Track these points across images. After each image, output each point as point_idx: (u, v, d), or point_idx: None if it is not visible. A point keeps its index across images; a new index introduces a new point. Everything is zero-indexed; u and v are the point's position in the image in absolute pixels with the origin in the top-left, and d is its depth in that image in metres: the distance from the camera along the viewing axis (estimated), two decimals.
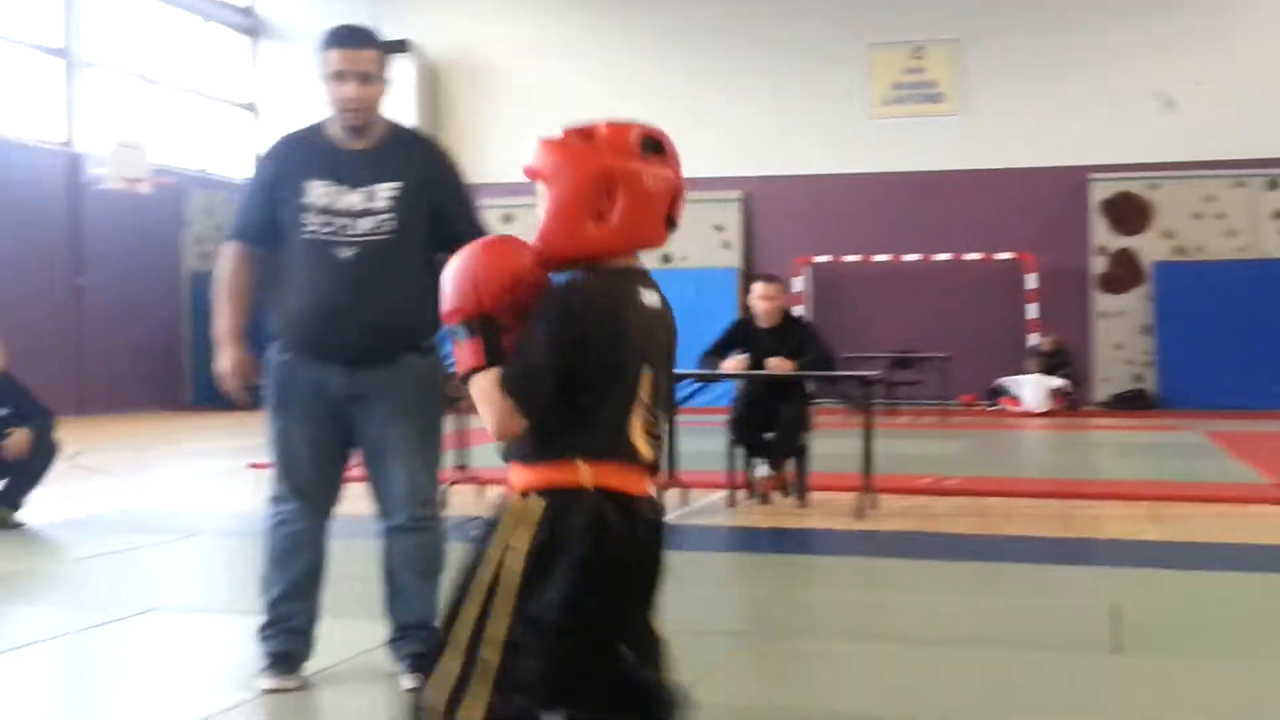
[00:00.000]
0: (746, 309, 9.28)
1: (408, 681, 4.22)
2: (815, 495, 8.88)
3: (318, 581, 4.49)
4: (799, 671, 4.86)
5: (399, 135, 4.45)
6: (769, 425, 8.87)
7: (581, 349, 2.46)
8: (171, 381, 22.95)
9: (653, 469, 2.58)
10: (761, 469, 9.02)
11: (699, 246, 21.03)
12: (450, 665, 2.48)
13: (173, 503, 9.73)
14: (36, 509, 8.18)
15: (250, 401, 4.61)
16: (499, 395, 2.46)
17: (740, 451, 9.03)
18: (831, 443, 9.68)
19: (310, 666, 4.47)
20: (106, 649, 5.05)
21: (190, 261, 23.47)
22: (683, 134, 3.15)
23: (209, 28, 23.53)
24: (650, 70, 21.68)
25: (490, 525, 2.55)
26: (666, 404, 2.68)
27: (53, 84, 20.43)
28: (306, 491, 4.43)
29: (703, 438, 10.10)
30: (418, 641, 4.32)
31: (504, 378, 2.46)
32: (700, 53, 21.48)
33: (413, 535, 4.38)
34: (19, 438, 7.96)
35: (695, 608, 5.92)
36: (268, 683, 4.34)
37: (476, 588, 2.49)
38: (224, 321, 4.47)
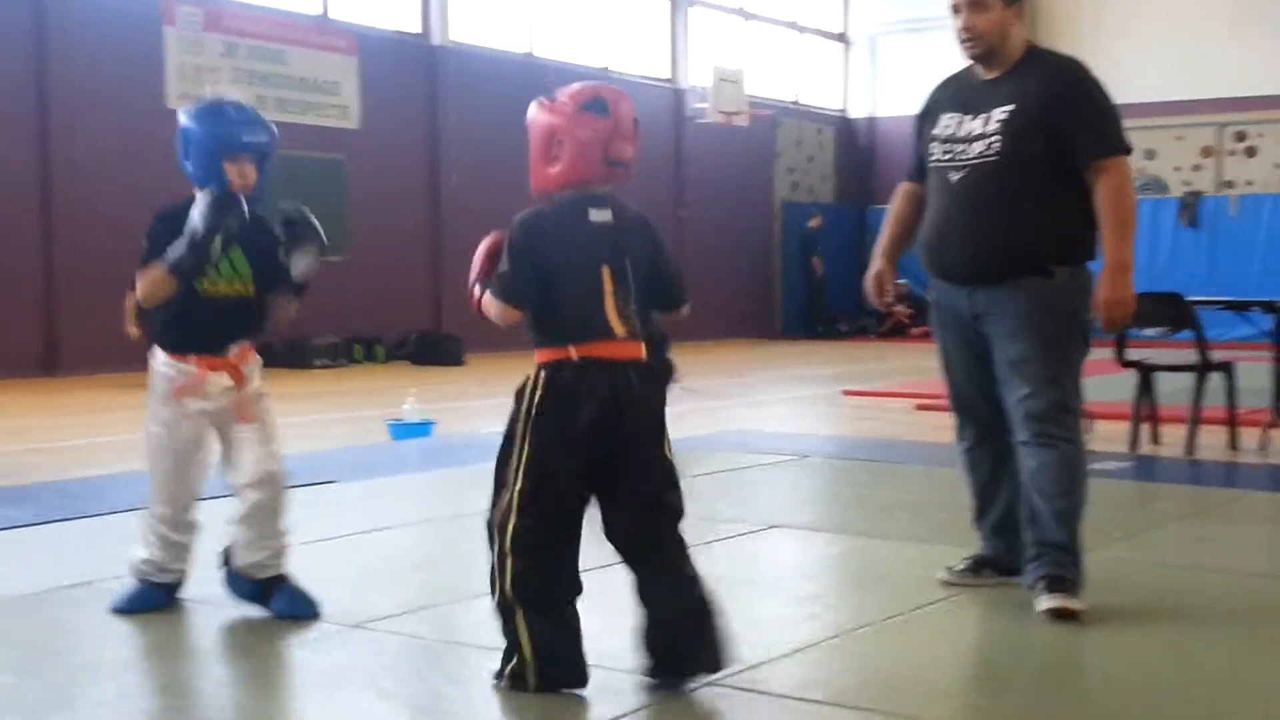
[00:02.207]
0: None
1: (1044, 601, 4.17)
2: None
3: (990, 500, 4.53)
4: None
5: (1032, 59, 4.37)
6: None
7: (538, 256, 3.42)
8: (763, 310, 23.69)
9: (632, 339, 3.50)
10: None
11: None
12: (502, 495, 3.45)
13: (776, 425, 10.00)
14: None
15: (913, 318, 4.87)
16: (490, 299, 3.49)
17: None
18: None
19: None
20: (743, 558, 5.19)
21: (782, 192, 24.06)
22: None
23: None
24: None
25: (518, 394, 3.47)
26: (645, 290, 3.56)
27: (659, 22, 21.42)
28: (970, 412, 4.54)
29: None
30: (1050, 563, 4.24)
31: (490, 285, 3.49)
32: None
33: (1038, 452, 4.28)
34: None
35: None
36: (945, 575, 4.60)
37: (511, 436, 3.46)
38: (879, 242, 4.75)
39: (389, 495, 6.47)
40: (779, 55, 23.65)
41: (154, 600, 4.27)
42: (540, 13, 19.27)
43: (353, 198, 16.63)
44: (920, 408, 10.55)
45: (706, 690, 3.49)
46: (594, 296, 3.44)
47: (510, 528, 3.41)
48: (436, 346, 16.45)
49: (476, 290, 3.55)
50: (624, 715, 3.36)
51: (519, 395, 3.47)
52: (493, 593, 3.45)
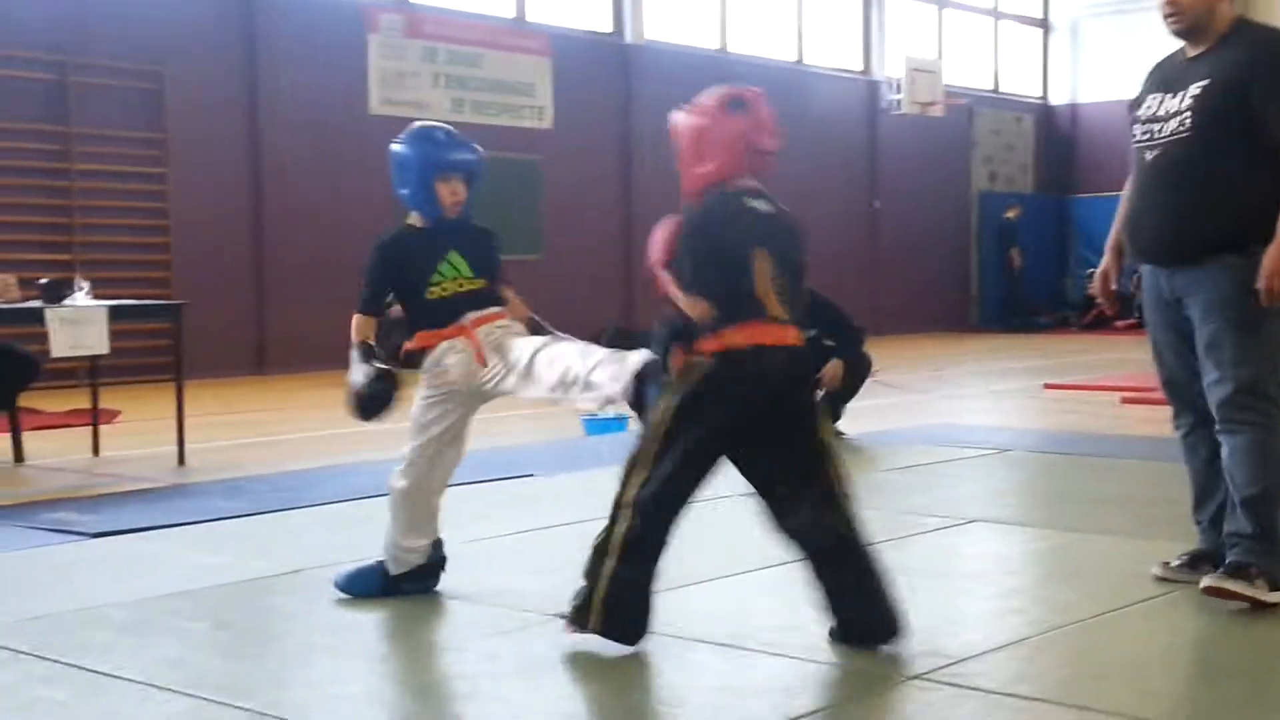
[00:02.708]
0: None
1: (1207, 580, 4.10)
2: None
3: (1209, 490, 4.37)
4: None
5: (1237, 33, 4.22)
6: None
7: (714, 246, 3.64)
8: (961, 302, 23.27)
9: (787, 323, 3.67)
10: None
11: None
12: (633, 461, 3.72)
13: (976, 419, 9.80)
14: (852, 421, 8.52)
15: (1117, 311, 4.76)
16: (686, 300, 3.65)
17: None
18: None
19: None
20: (944, 552, 5.10)
21: (979, 182, 23.60)
22: None
23: None
24: None
25: (683, 374, 3.65)
26: (796, 277, 3.74)
27: (852, 13, 21.21)
28: (1182, 397, 4.40)
29: None
30: (1239, 551, 4.11)
31: (682, 284, 3.67)
32: None
33: (1227, 439, 4.15)
34: (833, 370, 8.26)
35: None
36: (1159, 570, 4.49)
37: (659, 410, 3.68)
38: (1111, 234, 4.61)
39: (586, 489, 6.52)
40: (976, 42, 23.20)
41: (371, 584, 4.42)
42: (732, 7, 19.26)
43: (546, 198, 16.85)
44: (1126, 401, 10.23)
45: (913, 684, 3.43)
46: (756, 281, 3.65)
47: (634, 490, 3.69)
48: (630, 341, 16.54)
49: (663, 276, 3.75)
50: (829, 707, 3.33)
51: (684, 374, 3.64)
52: (600, 536, 3.73)
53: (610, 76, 17.73)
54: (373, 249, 4.42)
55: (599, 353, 4.06)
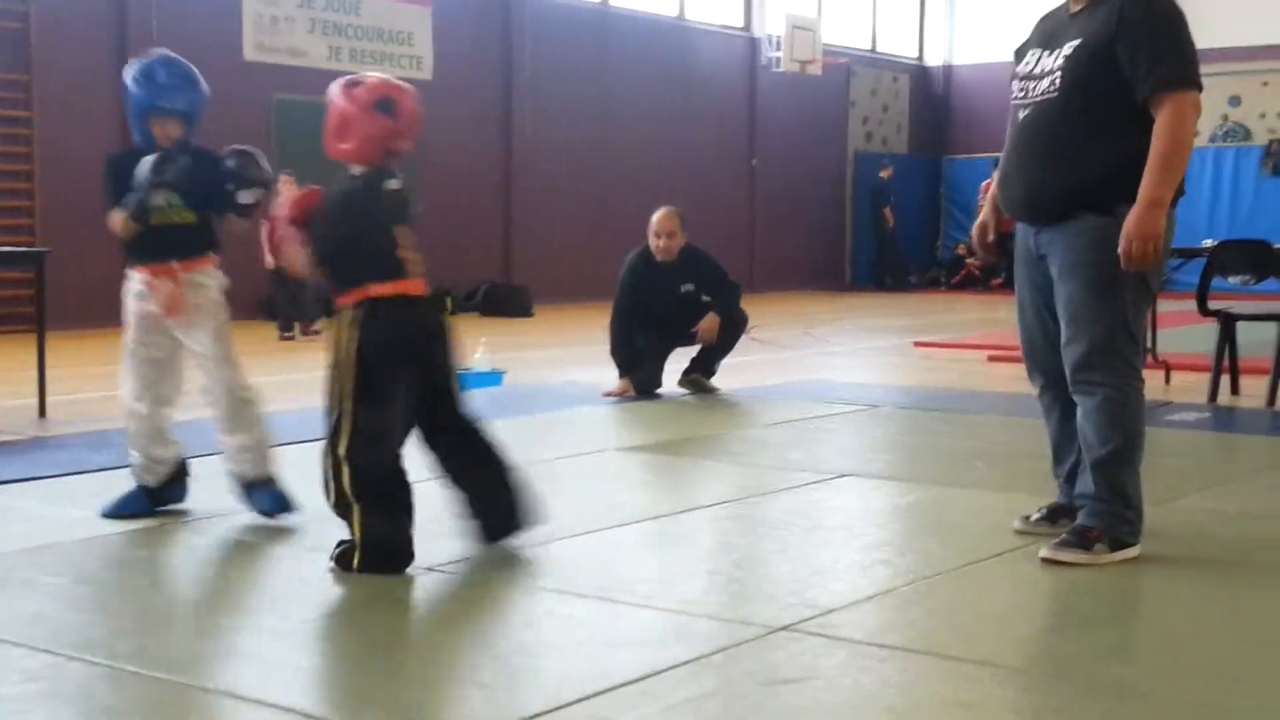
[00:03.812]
0: None
1: (1043, 550, 4.20)
2: None
3: (1064, 448, 4.47)
4: None
5: None
6: None
7: (345, 224, 4.11)
8: (834, 261, 23.53)
9: (422, 279, 4.15)
10: None
11: None
12: (337, 421, 3.99)
13: (847, 376, 9.93)
14: (726, 376, 8.58)
15: (989, 267, 4.92)
16: (307, 258, 4.16)
17: None
18: None
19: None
20: (814, 506, 5.16)
21: (855, 142, 23.82)
22: None
23: None
24: None
25: (336, 334, 4.03)
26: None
27: None
28: (1034, 356, 4.48)
29: None
30: (1084, 512, 4.24)
31: (311, 244, 4.16)
32: None
33: (1080, 400, 4.23)
34: (709, 324, 8.32)
35: None
36: (1020, 524, 4.59)
37: (336, 371, 4.00)
38: (991, 189, 4.67)
39: None
40: (855, 2, 23.34)
41: (140, 505, 4.78)
42: None
43: (424, 149, 16.64)
44: (992, 359, 10.44)
45: (782, 635, 3.47)
46: (393, 247, 4.11)
47: (344, 444, 3.97)
48: (505, 298, 16.48)
49: (287, 231, 4.20)
50: (700, 657, 3.35)
51: (337, 335, 4.03)
52: (328, 497, 4.04)
53: (491, 28, 17.52)
54: (106, 161, 4.79)
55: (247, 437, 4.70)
